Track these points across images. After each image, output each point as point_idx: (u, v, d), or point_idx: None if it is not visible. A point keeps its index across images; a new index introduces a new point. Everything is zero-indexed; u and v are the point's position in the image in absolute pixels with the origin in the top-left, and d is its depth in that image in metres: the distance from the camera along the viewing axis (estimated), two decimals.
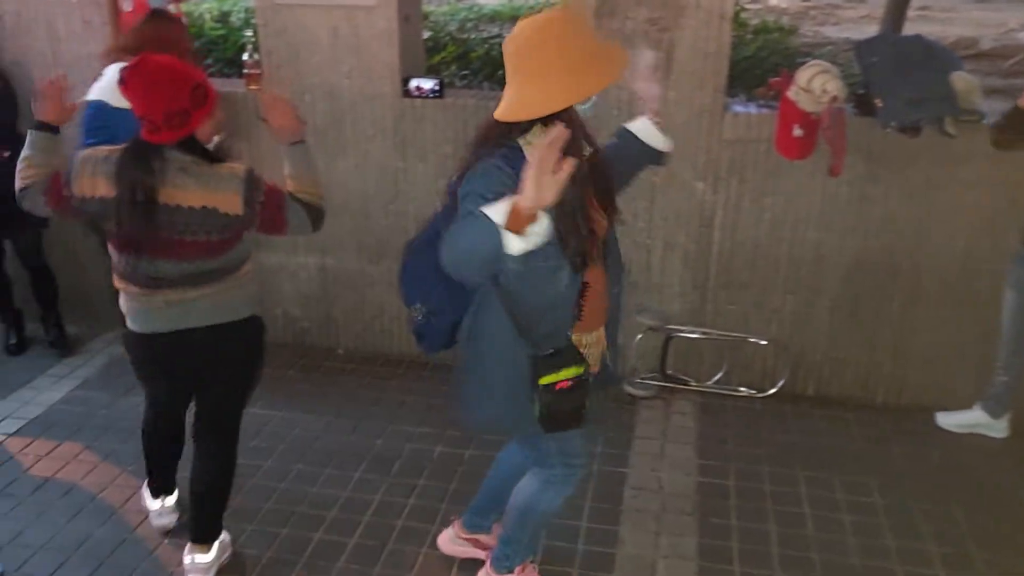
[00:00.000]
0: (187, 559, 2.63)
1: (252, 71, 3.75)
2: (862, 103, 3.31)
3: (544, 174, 1.58)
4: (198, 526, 2.65)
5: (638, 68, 2.17)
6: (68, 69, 3.82)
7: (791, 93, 3.11)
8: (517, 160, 1.83)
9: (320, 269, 3.98)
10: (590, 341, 2.14)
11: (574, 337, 2.07)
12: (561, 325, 2.03)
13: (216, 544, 2.65)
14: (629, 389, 3.67)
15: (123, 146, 2.21)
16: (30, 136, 2.38)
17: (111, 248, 2.32)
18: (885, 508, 2.98)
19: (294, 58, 3.66)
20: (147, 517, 2.89)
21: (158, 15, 3.17)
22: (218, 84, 3.90)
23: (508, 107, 1.86)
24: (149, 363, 2.50)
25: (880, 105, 3.15)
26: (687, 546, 2.79)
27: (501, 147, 1.88)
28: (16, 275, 4.02)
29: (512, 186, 1.72)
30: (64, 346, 4.07)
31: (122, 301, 2.39)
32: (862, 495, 3.05)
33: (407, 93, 3.61)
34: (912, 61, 3.17)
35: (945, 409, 3.44)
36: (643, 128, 2.22)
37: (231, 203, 2.22)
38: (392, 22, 3.50)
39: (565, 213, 1.85)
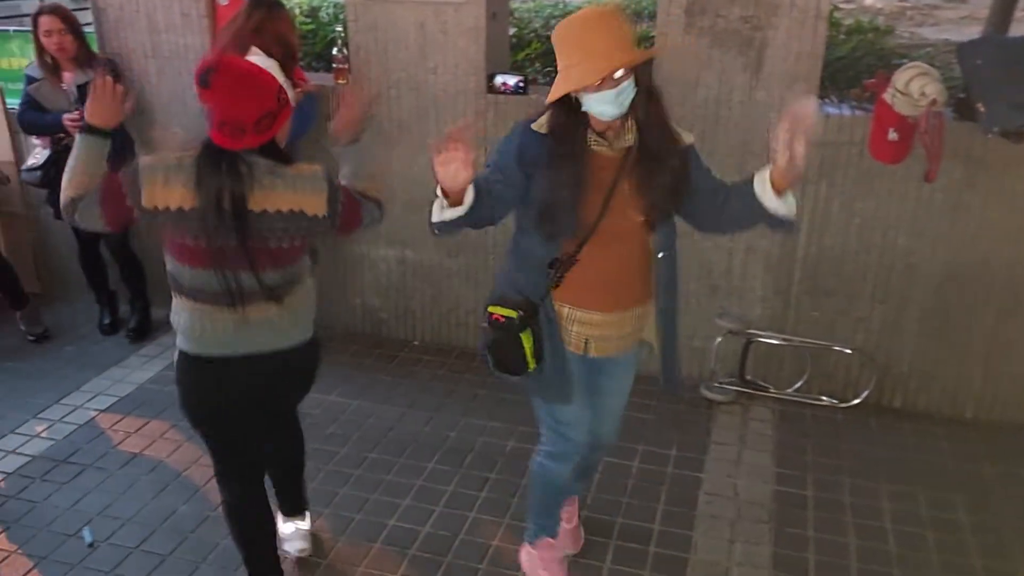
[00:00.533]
0: (288, 528, 2.71)
1: (340, 66, 3.83)
2: (962, 107, 3.18)
3: (439, 164, 1.86)
4: (293, 498, 2.72)
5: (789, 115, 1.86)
6: (166, 61, 3.98)
7: (887, 96, 3.01)
8: (526, 137, 2.10)
9: (400, 261, 4.04)
10: (573, 317, 2.22)
11: (556, 305, 2.20)
12: (535, 281, 2.18)
13: (307, 512, 2.76)
14: (706, 393, 3.61)
15: (194, 152, 2.03)
16: (80, 141, 2.15)
17: (176, 262, 2.11)
18: (972, 526, 2.86)
19: (382, 53, 3.72)
20: None
21: (271, 5, 3.13)
22: (309, 79, 4.01)
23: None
24: (214, 392, 2.23)
25: (982, 109, 3.02)
26: (761, 555, 2.74)
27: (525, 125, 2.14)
28: (112, 258, 4.20)
29: (503, 154, 2.11)
30: (139, 334, 4.19)
31: (184, 319, 2.16)
32: (948, 512, 2.94)
33: (491, 89, 3.63)
34: (1018, 63, 3.03)
35: None
36: (760, 182, 2.01)
37: (317, 204, 2.10)
38: (480, 19, 3.52)
39: (551, 188, 2.05)
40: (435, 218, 2.01)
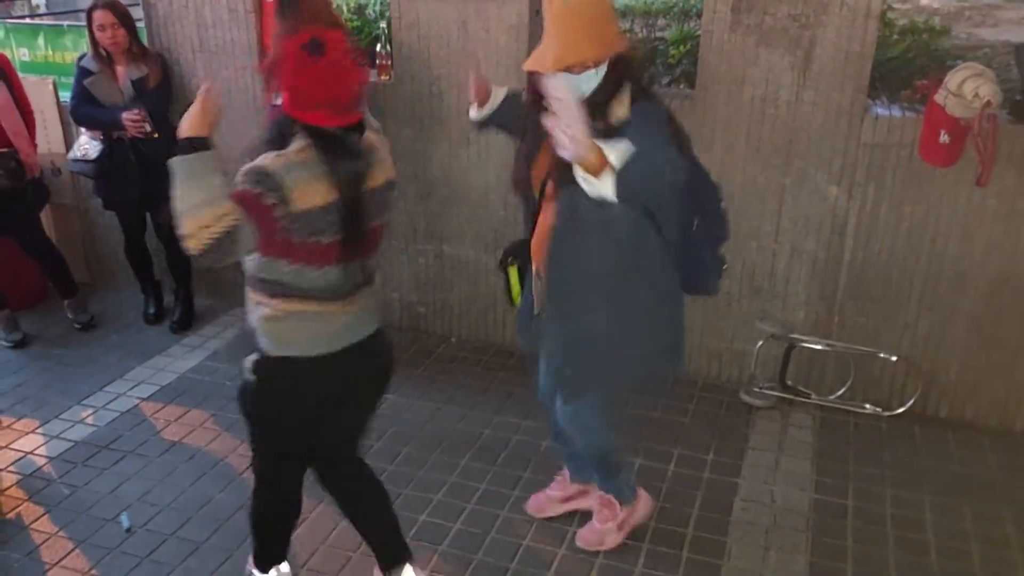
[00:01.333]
0: None
1: (383, 62, 3.86)
2: (1019, 110, 3.08)
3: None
4: (399, 547, 2.49)
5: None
6: (213, 55, 4.04)
7: (939, 97, 2.92)
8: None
9: (437, 256, 4.05)
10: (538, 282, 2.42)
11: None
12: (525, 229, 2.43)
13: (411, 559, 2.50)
14: (745, 398, 3.55)
15: (304, 145, 1.87)
16: (189, 163, 1.81)
17: (296, 264, 1.94)
18: (1020, 542, 2.77)
19: (424, 50, 3.73)
20: None
21: None
22: None
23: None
24: (311, 393, 2.13)
25: None
26: (797, 564, 2.68)
27: None
28: (157, 248, 4.28)
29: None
30: (183, 325, 4.25)
31: (290, 324, 2.02)
32: (994, 527, 2.85)
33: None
34: None
35: None
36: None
37: (391, 168, 2.11)
38: (523, 17, 3.51)
39: (519, 142, 2.34)
40: (472, 116, 2.46)
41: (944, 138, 2.92)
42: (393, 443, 3.31)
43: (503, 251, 2.52)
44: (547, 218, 2.28)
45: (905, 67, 3.70)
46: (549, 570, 2.65)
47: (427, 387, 3.72)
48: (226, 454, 3.24)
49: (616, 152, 1.89)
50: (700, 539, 2.79)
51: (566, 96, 1.79)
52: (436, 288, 4.12)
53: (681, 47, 4.10)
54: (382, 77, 3.87)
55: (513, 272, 2.47)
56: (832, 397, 3.52)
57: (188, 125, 1.87)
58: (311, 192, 1.86)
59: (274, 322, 2.03)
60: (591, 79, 2.09)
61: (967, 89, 2.84)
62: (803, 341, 3.48)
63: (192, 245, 1.78)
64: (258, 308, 2.05)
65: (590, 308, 2.29)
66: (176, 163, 1.82)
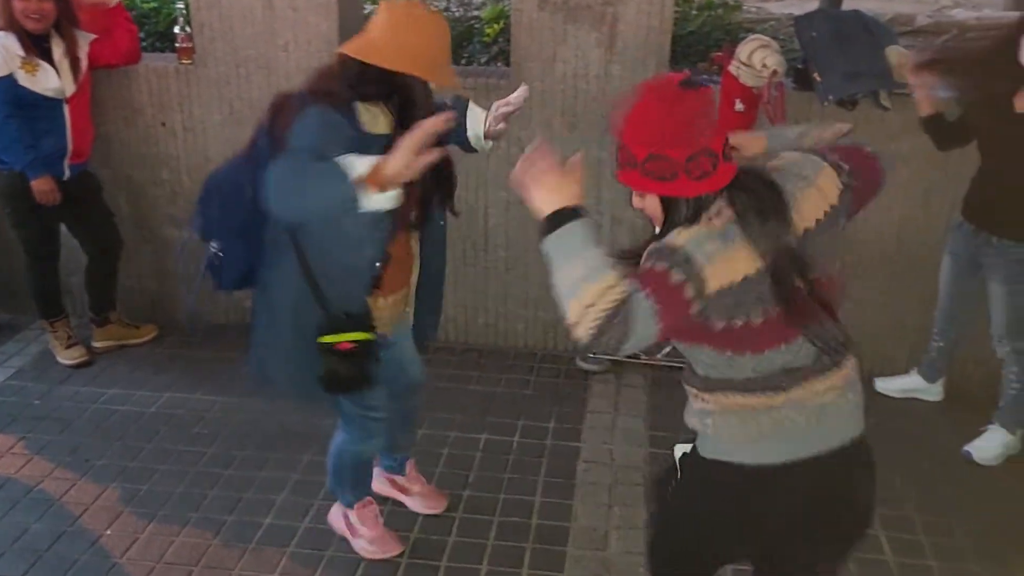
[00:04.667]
0: None
1: (184, 45, 3.62)
2: (801, 77, 3.35)
3: (415, 152, 1.76)
4: None
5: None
6: None
7: (732, 68, 3.13)
8: (349, 122, 1.95)
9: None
10: (385, 304, 2.26)
11: (369, 301, 2.19)
12: (357, 289, 2.14)
13: None
14: (582, 364, 3.68)
15: (729, 208, 1.47)
16: (566, 241, 1.44)
17: (727, 353, 1.53)
18: None
19: (227, 31, 3.54)
20: (87, 509, 2.80)
21: None
22: (150, 60, 3.78)
23: (360, 48, 1.97)
24: (776, 512, 1.64)
25: (818, 79, 3.20)
26: (639, 516, 2.82)
27: (337, 102, 1.94)
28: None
29: (347, 143, 1.86)
30: None
31: (737, 430, 1.60)
32: None
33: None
34: (849, 36, 3.22)
35: (884, 375, 3.54)
36: (473, 116, 2.30)
37: (832, 184, 1.56)
38: None
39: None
40: (374, 205, 1.82)
41: (739, 107, 3.13)
42: (227, 446, 3.16)
43: (368, 340, 2.14)
44: (402, 247, 2.24)
45: (702, 40, 3.94)
46: (403, 557, 2.64)
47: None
48: (40, 480, 2.97)
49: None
50: (547, 504, 2.88)
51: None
52: None
53: (496, 25, 4.14)
54: (183, 60, 3.65)
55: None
56: (659, 356, 3.72)
57: (550, 196, 1.47)
58: (731, 264, 1.44)
59: (707, 416, 1.63)
60: None
61: (756, 59, 3.06)
62: None
63: (580, 333, 1.37)
64: (692, 399, 1.68)
65: None
66: (549, 245, 1.45)
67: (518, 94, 2.26)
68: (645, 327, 1.37)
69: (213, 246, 2.19)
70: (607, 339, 1.36)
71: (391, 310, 2.32)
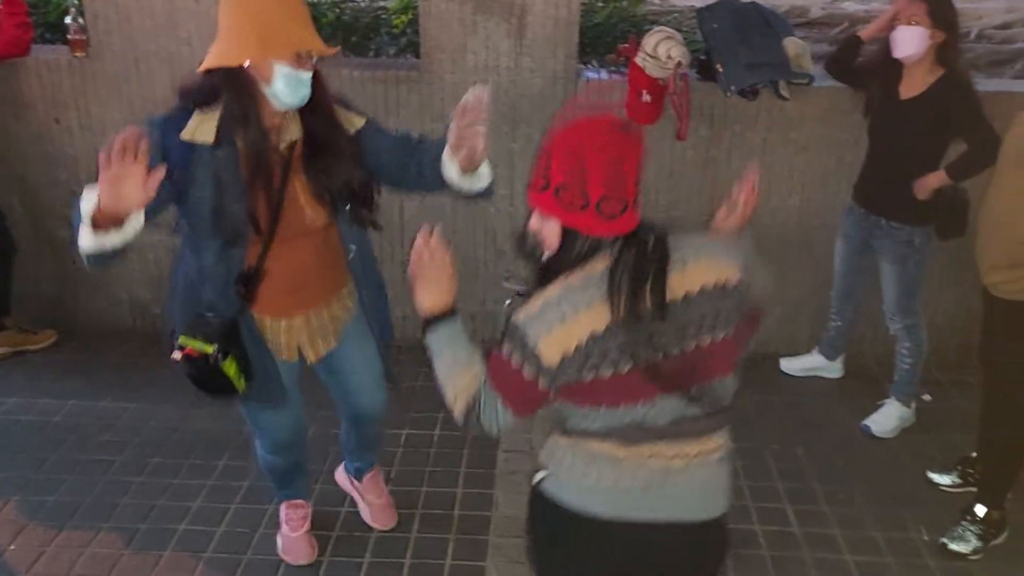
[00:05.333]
0: None
1: (77, 37, 3.47)
2: (704, 68, 3.45)
3: (113, 178, 1.54)
4: None
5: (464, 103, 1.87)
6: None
7: (639, 59, 3.21)
8: (174, 128, 1.84)
9: (169, 249, 3.75)
10: (276, 327, 2.14)
11: (258, 318, 2.09)
12: (220, 299, 2.02)
13: None
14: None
15: (605, 263, 1.45)
16: (440, 339, 1.62)
17: (581, 406, 1.50)
18: (740, 452, 3.12)
19: (124, 23, 3.41)
20: None
21: None
22: (41, 52, 3.61)
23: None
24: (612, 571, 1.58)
25: (720, 70, 3.30)
26: None
27: (180, 110, 1.89)
28: None
29: (159, 153, 1.76)
30: None
31: (579, 466, 1.54)
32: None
33: None
34: (749, 27, 3.33)
35: (788, 355, 3.70)
36: (448, 159, 1.98)
37: (735, 271, 1.53)
38: None
39: (220, 191, 1.85)
40: (89, 247, 1.67)
41: (646, 97, 3.21)
42: (140, 454, 3.07)
43: (207, 354, 2.00)
44: (292, 266, 2.05)
45: (609, 32, 4.00)
46: (325, 554, 2.63)
47: (173, 391, 3.42)
48: None
49: None
50: (469, 495, 2.91)
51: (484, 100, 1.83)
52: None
53: (404, 16, 4.10)
54: (77, 54, 3.49)
55: (230, 364, 2.03)
56: None
57: (429, 301, 1.64)
58: (571, 329, 1.43)
59: (559, 448, 1.58)
60: (306, 83, 1.86)
61: (661, 51, 3.14)
62: None
63: (457, 420, 1.59)
64: (550, 433, 1.64)
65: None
66: (430, 343, 1.64)
67: (471, 97, 1.86)
68: (499, 416, 1.53)
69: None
70: (474, 428, 1.56)
71: (286, 335, 2.17)
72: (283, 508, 2.62)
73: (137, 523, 2.74)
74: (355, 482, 2.78)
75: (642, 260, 1.44)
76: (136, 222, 1.67)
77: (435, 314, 1.63)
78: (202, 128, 1.86)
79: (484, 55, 3.37)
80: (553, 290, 1.46)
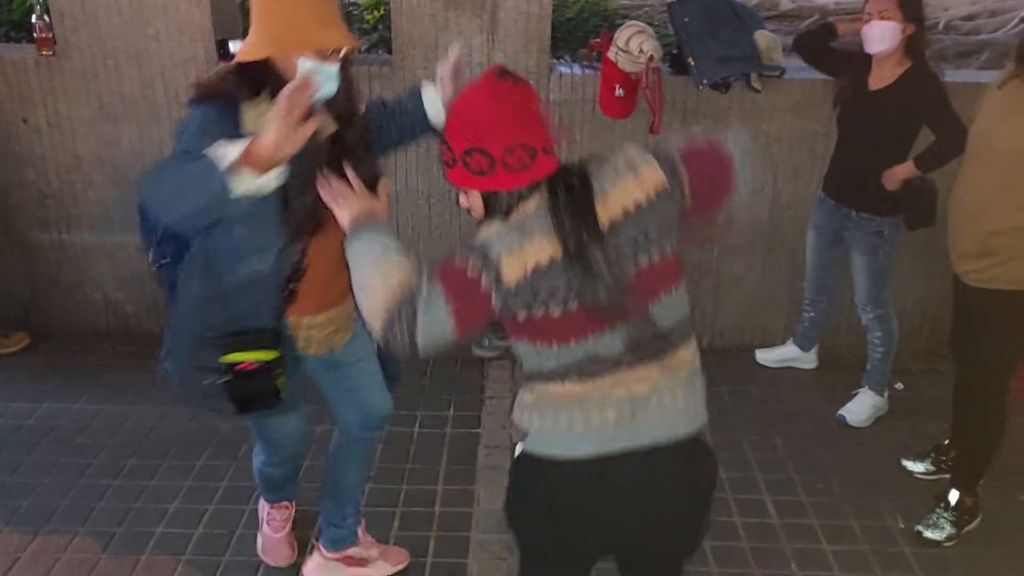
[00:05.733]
0: None
1: (43, 35, 3.42)
2: (676, 62, 3.46)
3: (289, 119, 1.59)
4: None
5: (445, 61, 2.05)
6: None
7: (611, 54, 3.21)
8: (233, 123, 1.80)
9: (144, 250, 3.72)
10: (313, 323, 2.11)
11: (291, 319, 2.06)
12: (263, 305, 1.99)
13: None
14: (477, 351, 3.71)
15: (539, 201, 1.48)
16: (364, 249, 1.56)
17: (537, 345, 1.52)
18: (719, 444, 3.16)
19: (91, 20, 3.36)
20: None
21: None
22: (6, 51, 3.55)
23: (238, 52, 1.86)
24: (599, 513, 1.58)
25: (692, 64, 3.32)
26: None
27: (221, 104, 1.83)
28: None
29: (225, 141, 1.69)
30: None
31: (543, 416, 1.56)
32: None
33: (224, 56, 3.40)
34: (720, 21, 3.35)
35: (763, 346, 3.73)
36: (431, 102, 2.10)
37: (654, 176, 1.51)
38: None
39: (286, 185, 1.77)
40: (252, 187, 1.63)
41: (619, 92, 3.22)
42: (115, 456, 3.04)
43: (268, 360, 1.99)
44: (327, 259, 1.98)
45: (581, 27, 4.01)
46: (303, 555, 2.61)
47: (149, 391, 3.40)
48: None
49: None
50: (450, 492, 2.91)
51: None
52: (144, 283, 3.78)
53: (375, 12, 4.09)
54: (43, 52, 3.44)
55: (283, 382, 2.04)
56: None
57: (354, 212, 1.61)
58: (521, 259, 1.44)
59: (526, 409, 1.59)
60: (335, 76, 1.84)
61: (633, 45, 3.15)
62: None
63: (375, 332, 1.49)
64: (520, 392, 1.64)
65: None
66: (349, 252, 1.57)
67: (452, 51, 2.06)
68: (437, 321, 1.44)
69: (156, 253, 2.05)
70: (398, 335, 1.44)
71: (321, 331, 2.12)
72: (266, 508, 2.60)
73: (114, 527, 2.71)
74: (351, 552, 2.52)
75: (570, 197, 1.46)
76: (282, 170, 1.68)
77: (359, 222, 1.59)
78: (260, 121, 1.77)
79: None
80: (492, 227, 1.48)
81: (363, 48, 4.10)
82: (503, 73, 1.50)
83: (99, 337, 3.78)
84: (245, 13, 4.11)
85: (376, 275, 1.49)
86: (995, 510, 2.82)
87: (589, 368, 1.50)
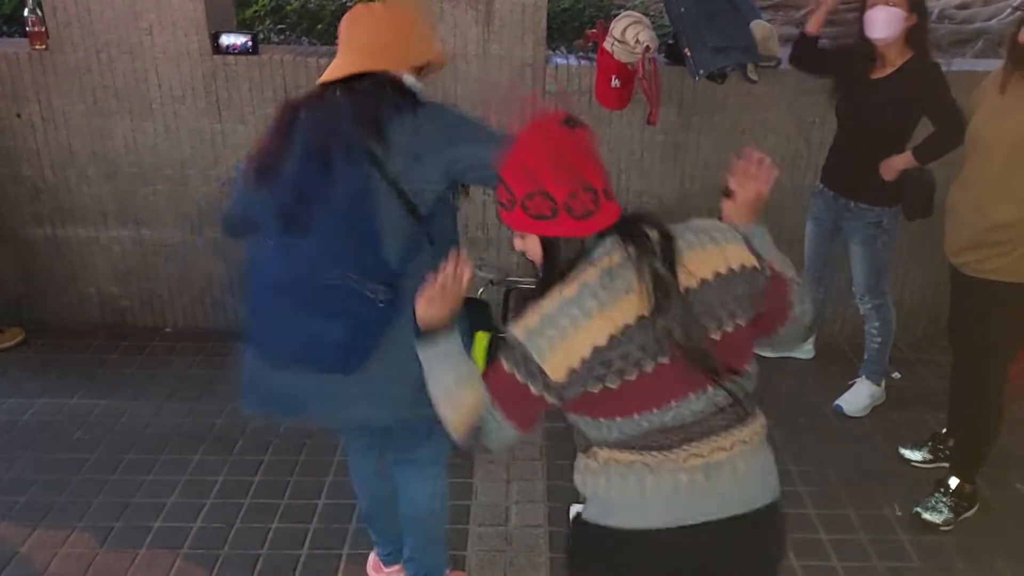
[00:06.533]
0: None
1: (36, 29, 3.40)
2: (673, 53, 3.46)
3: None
4: None
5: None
6: None
7: (607, 44, 3.20)
8: None
9: (136, 242, 3.71)
10: None
11: None
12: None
13: None
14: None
15: (608, 263, 1.39)
16: (434, 357, 1.54)
17: (600, 419, 1.43)
18: None
19: (84, 14, 3.34)
20: None
21: None
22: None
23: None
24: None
25: (689, 54, 3.31)
26: (536, 490, 2.89)
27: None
28: None
29: None
30: None
31: (609, 484, 1.47)
32: None
33: (218, 50, 3.39)
34: (716, 11, 3.33)
35: None
36: None
37: (741, 253, 1.45)
38: None
39: None
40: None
41: (615, 83, 3.21)
42: (112, 451, 3.03)
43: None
44: None
45: (577, 18, 4.00)
46: (302, 548, 2.62)
47: (144, 386, 3.43)
48: None
49: None
50: (449, 485, 2.89)
51: None
52: (139, 277, 3.79)
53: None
54: (36, 46, 3.42)
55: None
56: None
57: (431, 314, 1.53)
58: (574, 344, 1.36)
59: (589, 475, 1.51)
60: None
61: (629, 36, 3.14)
62: (519, 283, 3.69)
63: (454, 439, 1.52)
64: (578, 456, 1.56)
65: None
66: (426, 357, 1.55)
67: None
68: (498, 432, 1.46)
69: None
70: (474, 447, 1.50)
71: None
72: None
73: (111, 521, 2.71)
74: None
75: (647, 253, 1.37)
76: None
77: (434, 328, 1.54)
78: None
79: (452, 43, 3.34)
80: (549, 303, 1.38)
81: None
82: (565, 121, 1.42)
83: (94, 332, 3.77)
84: (238, 5, 4.10)
85: (452, 392, 1.50)
86: (992, 499, 2.83)
87: (658, 440, 1.42)
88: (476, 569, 2.55)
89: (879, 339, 3.27)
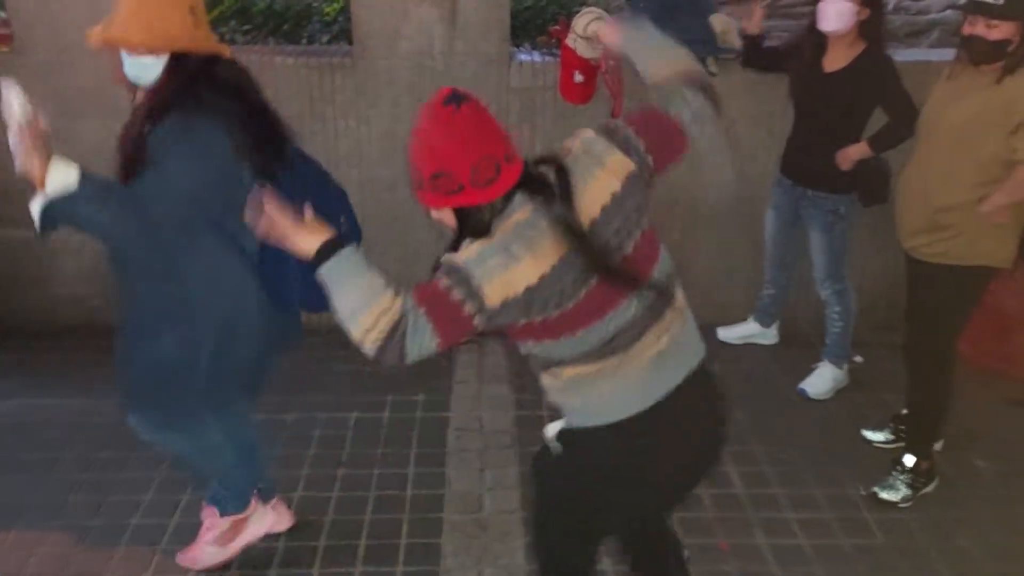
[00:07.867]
0: None
1: (2, 31, 3.39)
2: None
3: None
4: None
5: None
6: None
7: (569, 40, 3.23)
8: None
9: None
10: None
11: None
12: None
13: None
14: None
15: (526, 212, 1.55)
16: (337, 269, 1.60)
17: (547, 340, 1.61)
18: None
19: (46, 14, 3.33)
20: None
21: None
22: None
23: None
24: (645, 457, 1.72)
25: None
26: (510, 477, 2.94)
27: None
28: None
29: None
30: None
31: (590, 395, 1.68)
32: None
33: None
34: (676, 6, 3.40)
35: (724, 324, 3.81)
36: None
37: (621, 163, 1.61)
38: None
39: None
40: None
41: (578, 78, 3.25)
42: (86, 450, 3.04)
43: None
44: None
45: (540, 15, 4.04)
46: (279, 539, 2.65)
47: (116, 385, 3.42)
48: None
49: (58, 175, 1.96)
50: (421, 475, 2.95)
51: None
52: (108, 278, 3.77)
53: (336, 3, 4.09)
54: (1, 48, 3.40)
55: None
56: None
57: (306, 241, 1.63)
58: (510, 279, 1.51)
59: (560, 393, 1.72)
60: (146, 69, 2.04)
61: (591, 31, 3.18)
62: None
63: (365, 351, 1.56)
64: (541, 379, 1.73)
65: None
66: (323, 275, 1.60)
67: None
68: (423, 341, 1.53)
69: None
70: (389, 355, 1.53)
71: None
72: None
73: (88, 520, 2.72)
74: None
75: (550, 201, 1.53)
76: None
77: (321, 248, 1.61)
78: None
79: (417, 41, 3.38)
80: (480, 246, 1.53)
81: (323, 41, 4.11)
82: (448, 100, 1.54)
83: (64, 332, 3.76)
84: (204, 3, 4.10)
85: (360, 300, 1.55)
86: (953, 476, 2.93)
87: (610, 348, 1.61)
88: (451, 556, 2.59)
89: (840, 323, 3.36)
